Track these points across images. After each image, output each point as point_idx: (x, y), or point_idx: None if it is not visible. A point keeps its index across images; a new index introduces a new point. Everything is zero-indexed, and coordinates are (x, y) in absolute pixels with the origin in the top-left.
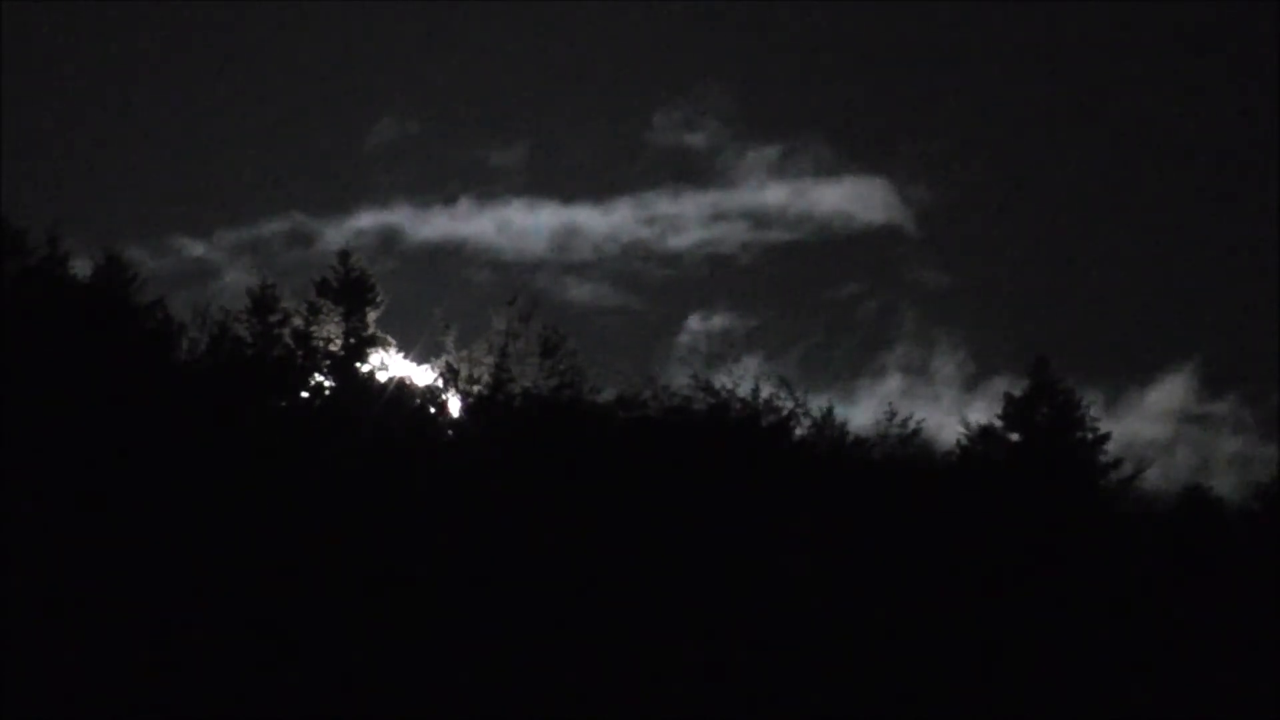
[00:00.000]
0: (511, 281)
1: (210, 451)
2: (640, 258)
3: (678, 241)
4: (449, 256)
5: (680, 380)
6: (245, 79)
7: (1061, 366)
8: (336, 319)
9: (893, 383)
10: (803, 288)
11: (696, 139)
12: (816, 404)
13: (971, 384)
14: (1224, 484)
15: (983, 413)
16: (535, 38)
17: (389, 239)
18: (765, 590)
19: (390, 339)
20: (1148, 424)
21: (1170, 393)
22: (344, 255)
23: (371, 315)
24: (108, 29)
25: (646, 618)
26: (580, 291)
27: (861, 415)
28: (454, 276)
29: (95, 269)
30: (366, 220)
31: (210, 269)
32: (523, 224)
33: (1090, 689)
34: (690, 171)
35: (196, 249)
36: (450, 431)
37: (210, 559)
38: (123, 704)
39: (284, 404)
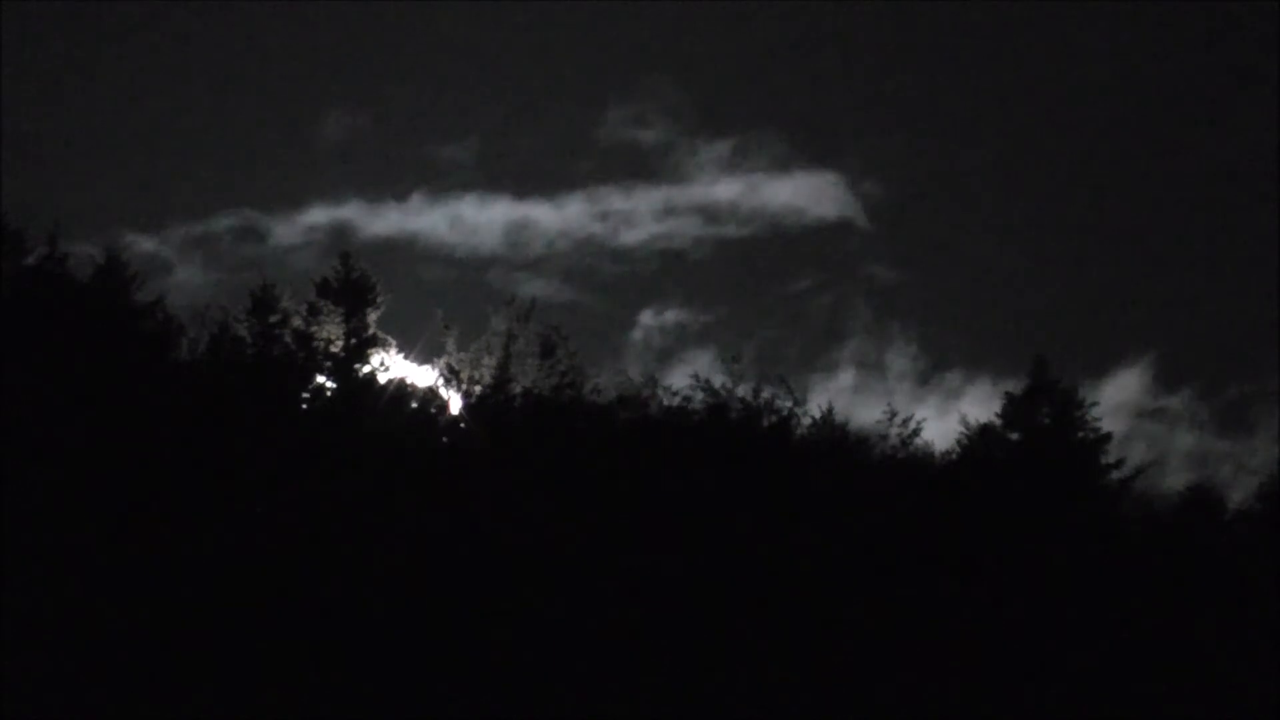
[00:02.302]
0: (464, 277)
1: (211, 452)
2: (592, 253)
3: (630, 237)
4: (401, 252)
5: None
6: (194, 74)
7: (1016, 360)
8: (337, 320)
9: (846, 377)
10: (755, 283)
11: (648, 134)
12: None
13: (924, 378)
14: (1179, 479)
15: (935, 408)
16: (485, 32)
17: (340, 235)
18: (767, 589)
19: (391, 339)
20: (1102, 418)
21: (1125, 387)
22: (345, 256)
23: (372, 316)
24: (51, 25)
25: (648, 617)
26: (533, 287)
27: (814, 410)
28: (406, 272)
29: (95, 269)
30: (318, 216)
31: (161, 265)
32: (475, 219)
33: (1091, 688)
34: (642, 167)
35: (147, 245)
36: (451, 432)
37: (211, 559)
38: (122, 704)
39: (284, 404)
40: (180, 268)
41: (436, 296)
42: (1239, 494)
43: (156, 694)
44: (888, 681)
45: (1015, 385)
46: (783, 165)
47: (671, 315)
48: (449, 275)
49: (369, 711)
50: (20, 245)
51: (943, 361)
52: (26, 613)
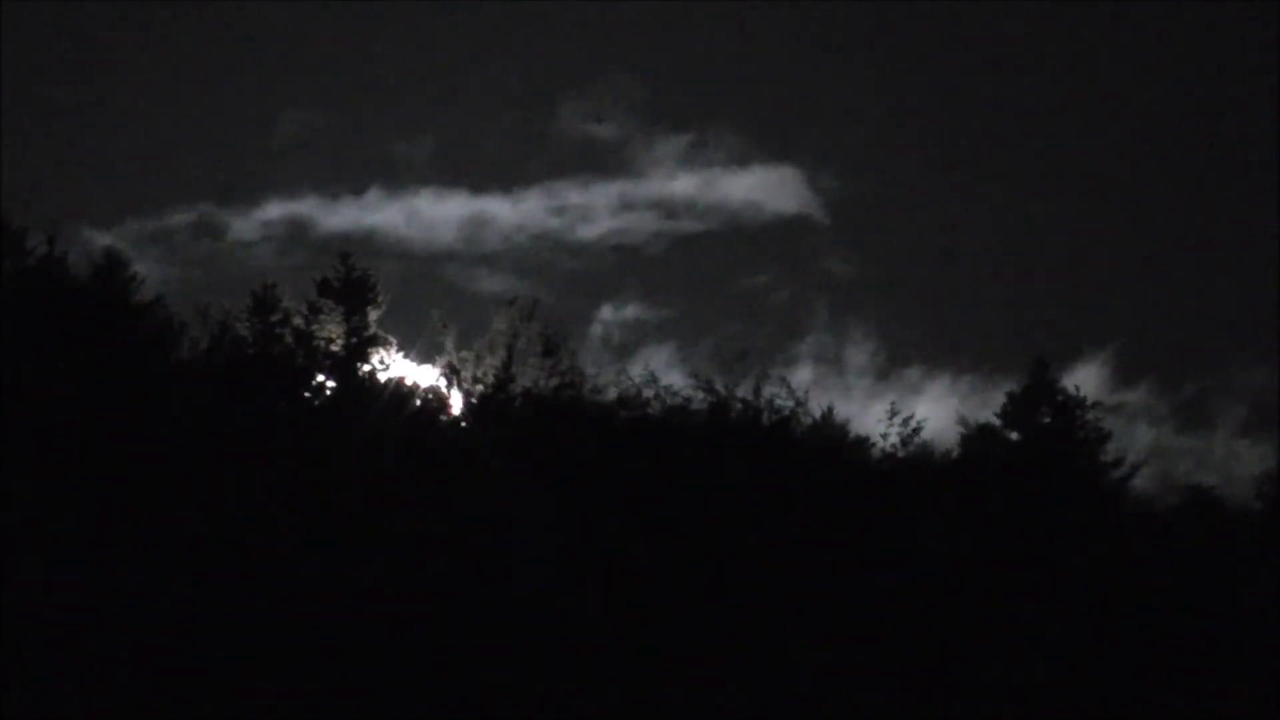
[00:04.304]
0: (420, 272)
1: (211, 451)
2: (549, 248)
3: (587, 232)
4: (358, 247)
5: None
6: (152, 70)
7: (975, 355)
8: (337, 319)
9: (805, 373)
10: (713, 278)
11: (605, 129)
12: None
13: (884, 374)
14: (1141, 475)
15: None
16: (441, 27)
17: (297, 230)
18: (767, 589)
19: (391, 339)
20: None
21: (1083, 382)
22: (344, 255)
23: (372, 315)
24: (5, 17)
25: (649, 616)
26: (490, 283)
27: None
28: (364, 267)
29: (94, 269)
30: (275, 211)
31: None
32: (431, 214)
33: (1092, 687)
34: (599, 162)
35: (104, 240)
36: (451, 431)
37: (211, 559)
38: (122, 704)
39: (285, 404)
40: (137, 263)
41: (394, 291)
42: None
43: (156, 694)
44: (889, 680)
45: (974, 380)
46: (740, 160)
47: (630, 311)
48: (405, 270)
49: (369, 711)
50: (20, 245)
51: (901, 357)
52: (26, 613)
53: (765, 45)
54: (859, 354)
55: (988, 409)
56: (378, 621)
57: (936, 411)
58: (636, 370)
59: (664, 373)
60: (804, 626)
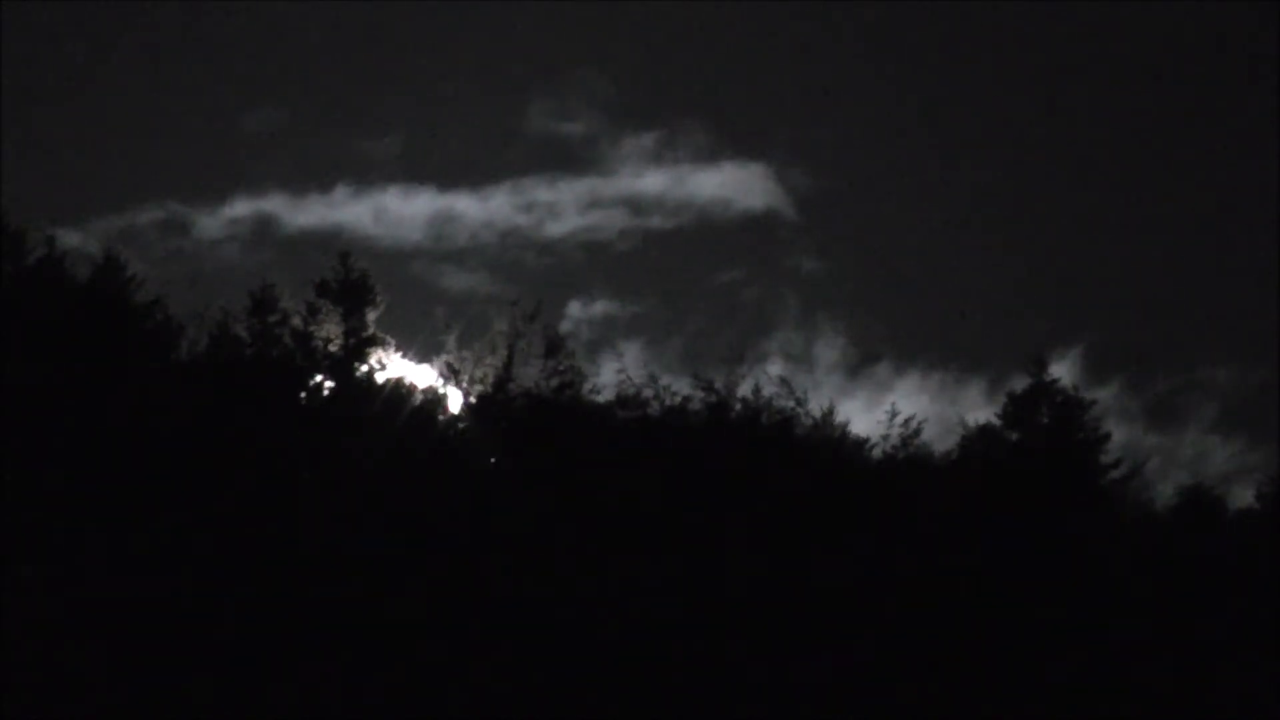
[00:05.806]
0: (388, 269)
1: (210, 451)
2: (517, 245)
3: (555, 229)
4: (325, 244)
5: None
6: (119, 67)
7: (946, 352)
8: (336, 319)
9: (774, 370)
10: (683, 274)
11: (573, 126)
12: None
13: (854, 371)
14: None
15: (864, 400)
16: (409, 25)
17: (264, 227)
18: (767, 589)
19: (390, 339)
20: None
21: (1055, 378)
22: (344, 256)
23: (371, 315)
24: None
25: (648, 617)
26: (457, 280)
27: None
28: (330, 265)
29: (94, 269)
30: (242, 209)
31: (86, 258)
32: (399, 211)
33: (1092, 688)
34: (567, 159)
35: (72, 238)
36: (450, 432)
37: (210, 558)
38: (123, 704)
39: (283, 404)
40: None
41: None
42: (1168, 488)
43: (156, 694)
44: (888, 681)
45: (944, 377)
46: (709, 156)
47: (599, 307)
48: (373, 267)
49: (367, 710)
50: (20, 245)
51: (872, 353)
52: (26, 612)
53: (733, 42)
54: (829, 350)
55: (959, 405)
56: (377, 622)
57: (907, 408)
58: (606, 367)
59: (633, 370)
60: (804, 627)
